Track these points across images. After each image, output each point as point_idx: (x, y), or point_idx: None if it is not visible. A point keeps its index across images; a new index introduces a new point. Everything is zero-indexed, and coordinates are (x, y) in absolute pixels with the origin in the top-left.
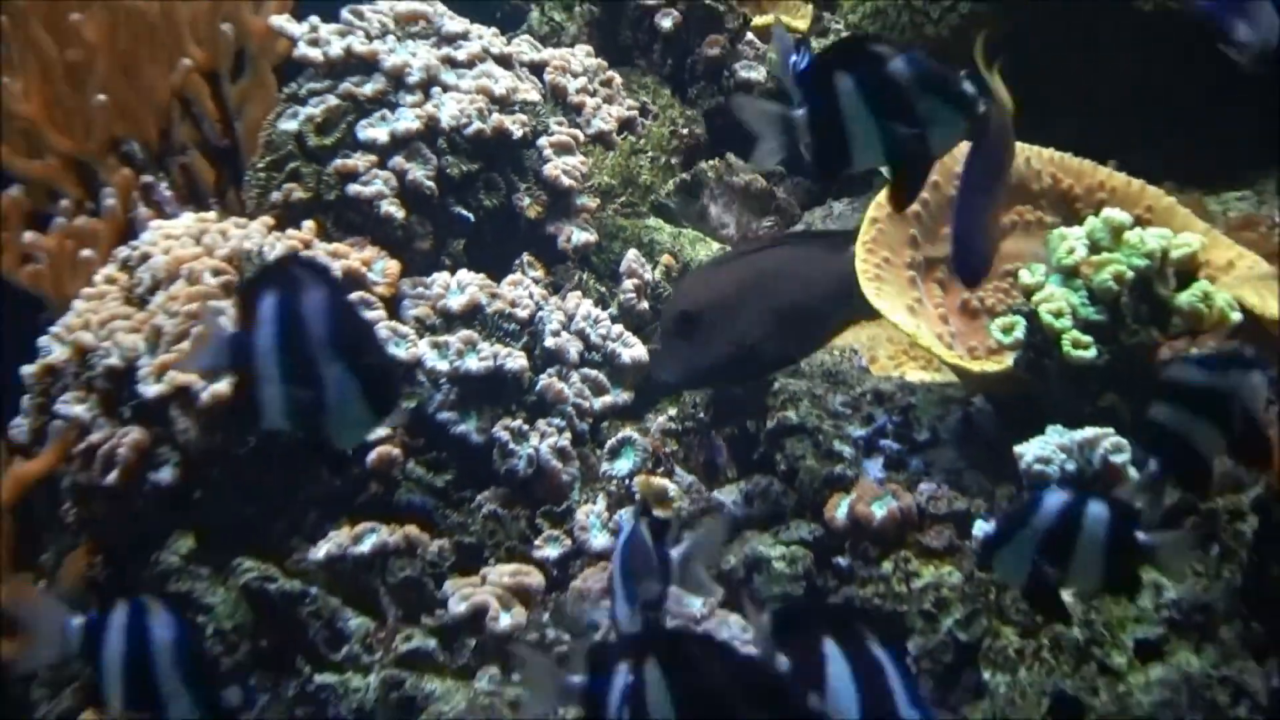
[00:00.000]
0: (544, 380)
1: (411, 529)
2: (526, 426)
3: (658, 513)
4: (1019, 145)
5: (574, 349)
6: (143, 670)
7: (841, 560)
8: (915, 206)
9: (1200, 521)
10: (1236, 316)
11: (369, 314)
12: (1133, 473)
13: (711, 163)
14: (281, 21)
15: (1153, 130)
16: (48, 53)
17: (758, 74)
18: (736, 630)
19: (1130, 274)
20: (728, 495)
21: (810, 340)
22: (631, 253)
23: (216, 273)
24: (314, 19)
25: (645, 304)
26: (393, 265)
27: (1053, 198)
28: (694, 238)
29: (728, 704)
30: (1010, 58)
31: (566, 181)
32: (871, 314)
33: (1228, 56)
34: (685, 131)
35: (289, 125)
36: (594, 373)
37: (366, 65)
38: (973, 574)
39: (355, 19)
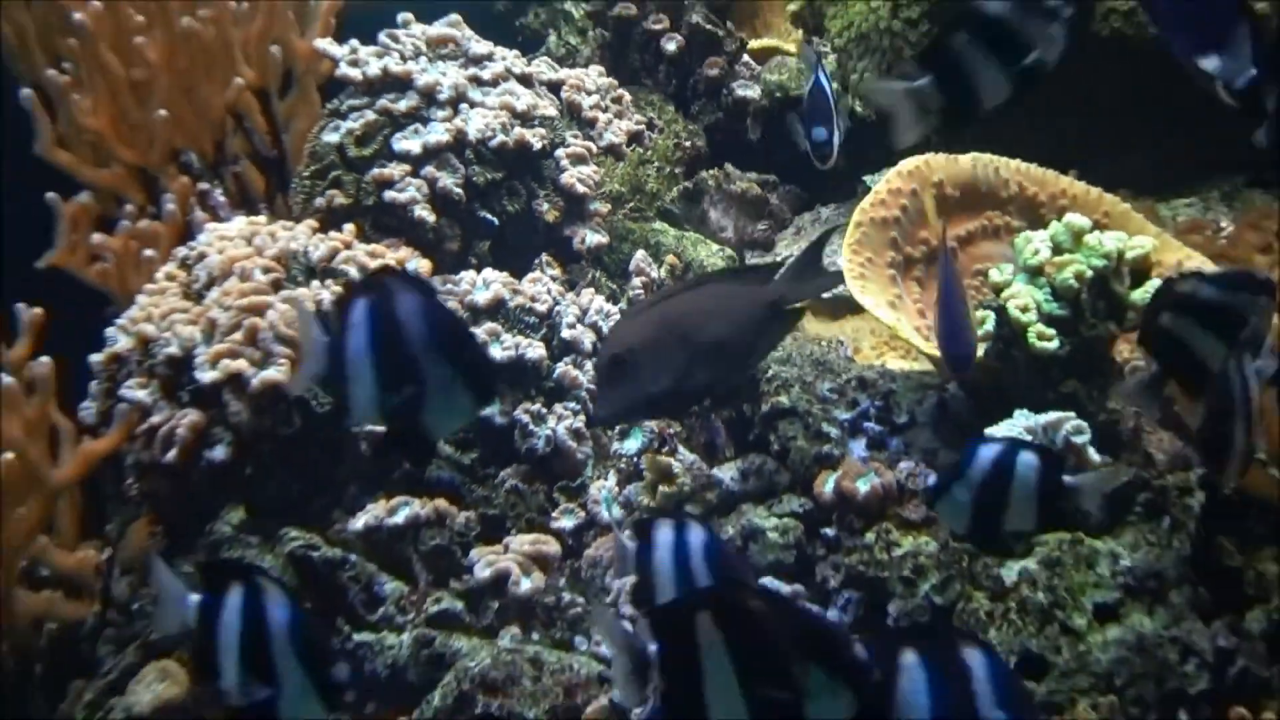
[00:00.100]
0: (561, 368)
1: (441, 502)
2: (545, 410)
3: (665, 490)
4: (989, 156)
5: (588, 340)
6: (258, 648)
7: (829, 531)
8: (895, 212)
9: (1152, 498)
10: None
11: None
12: (1093, 453)
13: (711, 172)
14: (325, 44)
15: (1109, 144)
16: (114, 72)
17: (753, 92)
18: None
19: (1089, 273)
20: (726, 472)
21: (735, 369)
22: (639, 253)
23: (266, 270)
24: (354, 42)
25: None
26: (425, 264)
27: (1019, 204)
28: (695, 240)
29: (785, 657)
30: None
31: (581, 189)
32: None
33: (1181, 77)
34: (688, 144)
35: (331, 137)
36: None
37: (401, 84)
38: (947, 543)
39: (391, 42)
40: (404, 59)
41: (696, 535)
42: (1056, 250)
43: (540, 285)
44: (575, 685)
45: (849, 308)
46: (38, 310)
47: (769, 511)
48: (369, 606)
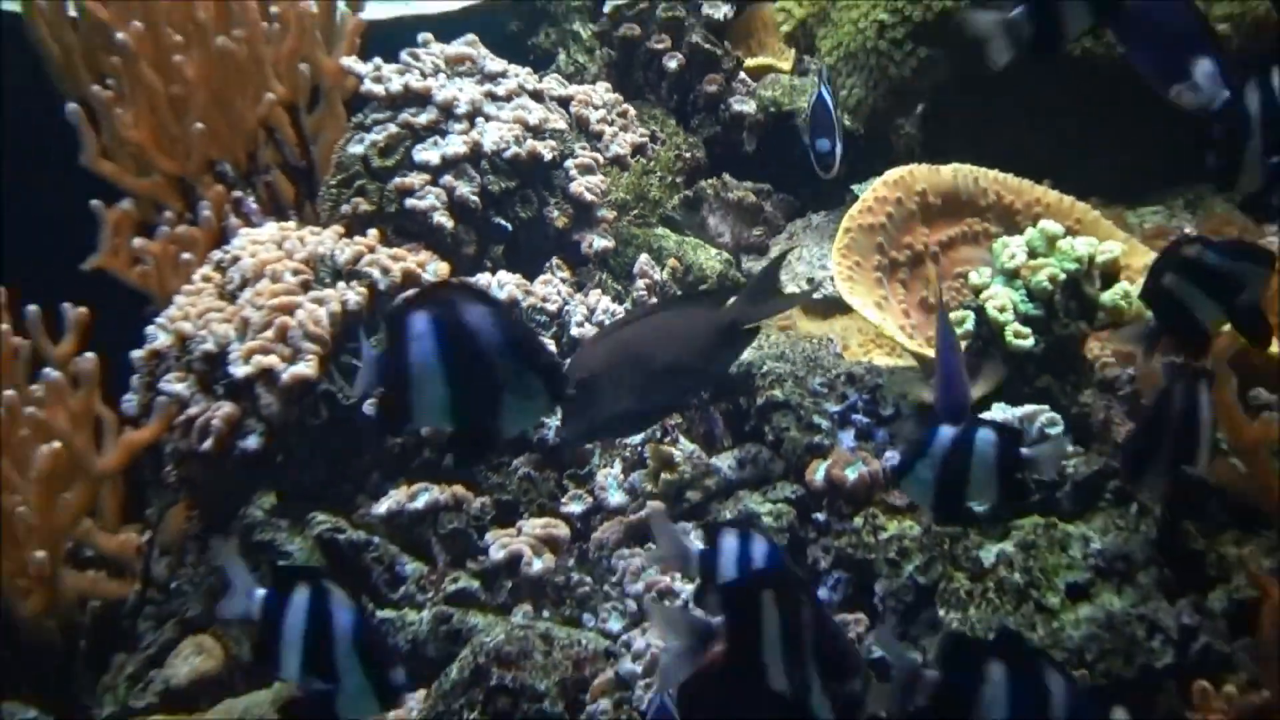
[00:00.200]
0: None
1: (458, 488)
2: None
3: (666, 478)
4: (969, 167)
5: None
6: (320, 646)
7: (819, 516)
8: (881, 219)
9: (1121, 485)
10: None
11: None
12: (1066, 443)
13: (710, 181)
14: (350, 62)
15: (1081, 155)
16: (154, 88)
17: (749, 107)
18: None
19: (1062, 276)
20: (724, 461)
21: (693, 387)
22: (643, 257)
23: (295, 273)
24: (377, 60)
25: (655, 300)
26: (443, 267)
27: (997, 211)
28: (695, 244)
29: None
30: (959, 96)
31: (589, 197)
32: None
33: (1147, 93)
34: (688, 155)
35: (356, 149)
36: None
37: (421, 99)
38: (930, 527)
39: (412, 60)
40: (424, 76)
41: (760, 546)
42: (1031, 255)
43: (551, 286)
44: (583, 659)
45: (838, 308)
46: (83, 310)
47: (764, 497)
48: (391, 585)
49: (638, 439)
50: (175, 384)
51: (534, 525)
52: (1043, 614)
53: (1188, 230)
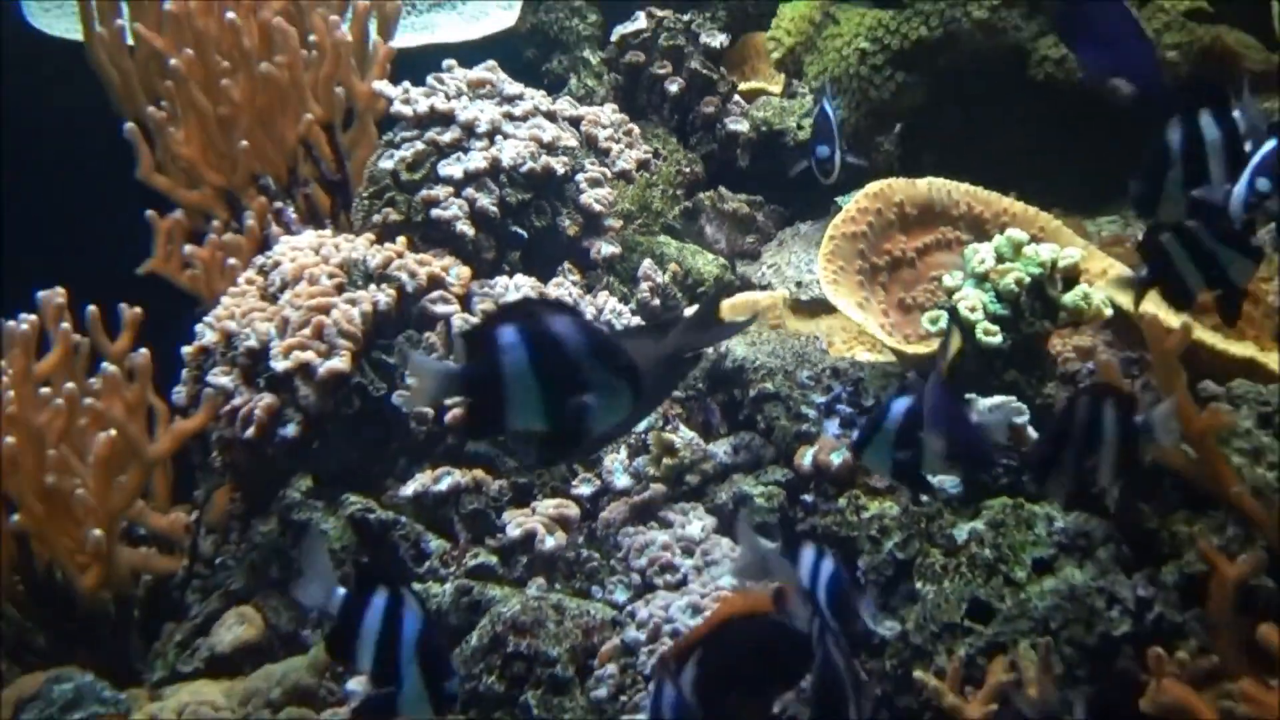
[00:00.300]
0: None
1: (478, 472)
2: None
3: (668, 462)
4: (943, 180)
5: None
6: (390, 649)
7: (807, 497)
8: (862, 228)
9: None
10: (1109, 312)
11: (445, 308)
12: (1031, 431)
13: (707, 194)
14: (381, 85)
15: (1044, 170)
16: (204, 109)
17: (743, 126)
18: (726, 550)
19: (1028, 279)
20: (720, 447)
21: (643, 409)
22: (647, 262)
23: (330, 276)
24: (406, 83)
25: (657, 301)
26: (465, 271)
27: (968, 220)
28: (694, 251)
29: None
30: (934, 117)
31: (597, 208)
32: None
33: (1102, 114)
34: (687, 170)
35: (386, 164)
36: None
37: (446, 119)
38: (908, 508)
39: (437, 84)
40: (448, 98)
41: (828, 564)
42: (1000, 260)
43: (563, 289)
44: (592, 628)
45: (824, 308)
46: (137, 309)
47: (756, 481)
48: (417, 561)
49: (641, 426)
50: (221, 377)
51: (547, 506)
52: (1011, 586)
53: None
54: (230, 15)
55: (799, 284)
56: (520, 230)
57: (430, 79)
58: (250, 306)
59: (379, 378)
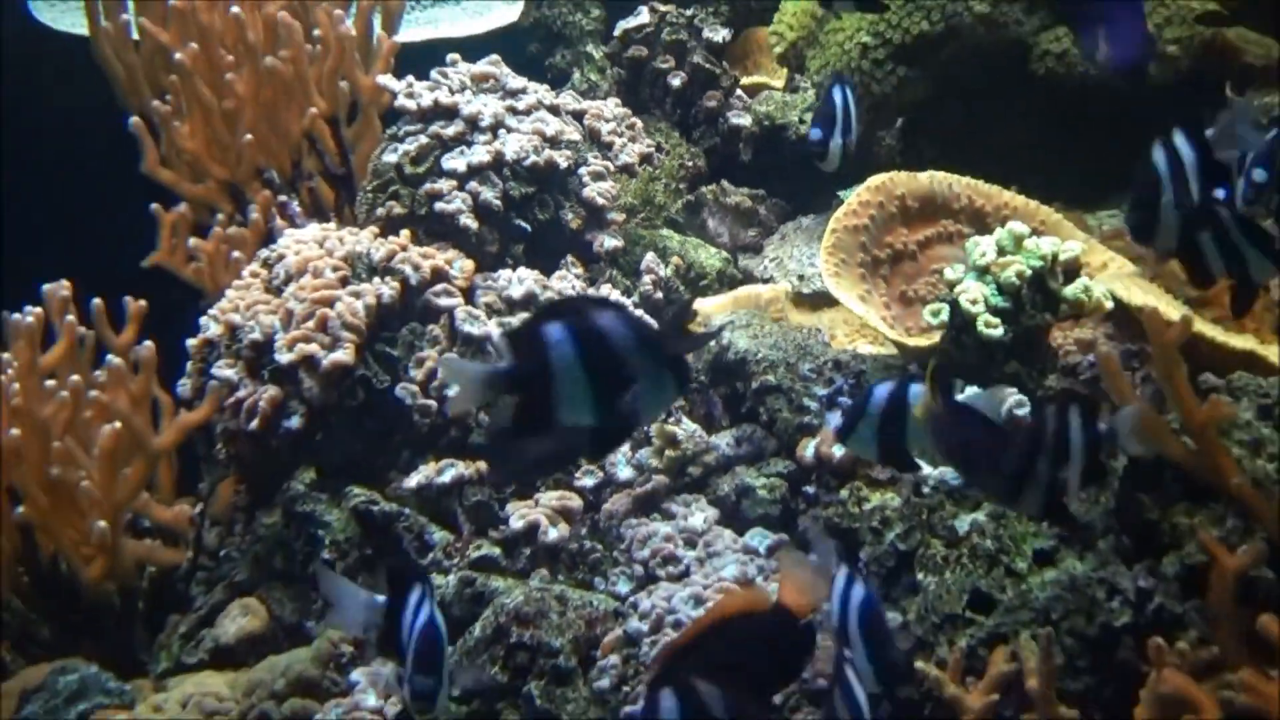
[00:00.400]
0: None
1: (481, 464)
2: None
3: (670, 454)
4: (944, 174)
5: None
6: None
7: (809, 489)
8: (864, 220)
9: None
10: (1109, 305)
11: (449, 300)
12: None
13: (710, 188)
14: (385, 79)
15: (1045, 164)
16: (208, 103)
17: (745, 120)
18: (729, 541)
19: (1028, 272)
20: (722, 440)
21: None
22: (649, 255)
23: (335, 269)
24: (410, 77)
25: (659, 294)
26: (468, 264)
27: (969, 214)
28: (696, 244)
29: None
30: (935, 111)
31: (600, 201)
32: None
33: (1104, 108)
34: (690, 164)
35: (390, 158)
36: None
37: (449, 113)
38: (909, 499)
39: (441, 78)
40: (452, 92)
41: (859, 589)
42: (1001, 252)
43: (566, 282)
44: (595, 619)
45: (826, 301)
46: (141, 302)
47: (759, 473)
48: (420, 552)
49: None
50: (225, 369)
51: (550, 497)
52: (1012, 577)
53: None
54: (235, 9)
55: (801, 277)
56: (523, 223)
57: (434, 73)
58: (254, 299)
59: (383, 370)
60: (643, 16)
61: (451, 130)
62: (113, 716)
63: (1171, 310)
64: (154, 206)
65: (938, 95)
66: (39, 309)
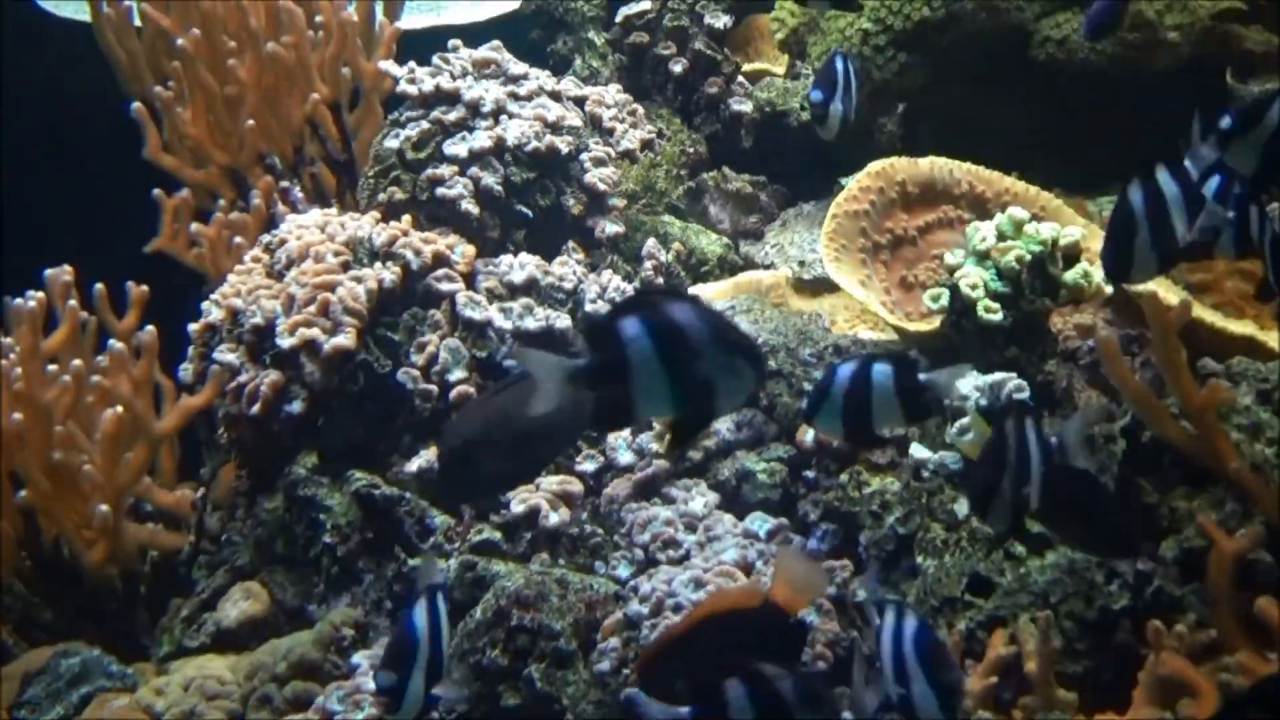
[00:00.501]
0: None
1: None
2: None
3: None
4: (945, 159)
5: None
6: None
7: (809, 473)
8: (865, 206)
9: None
10: (1109, 290)
11: (450, 285)
12: None
13: (711, 174)
14: (387, 65)
15: (1046, 150)
16: (210, 89)
17: (746, 107)
18: (729, 525)
19: (1028, 257)
20: (722, 424)
21: (559, 447)
22: (650, 241)
23: (336, 254)
24: (411, 63)
25: (661, 279)
26: (470, 249)
27: (970, 199)
28: (697, 230)
29: None
30: (936, 97)
31: (601, 187)
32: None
33: (1104, 94)
34: (691, 150)
35: (392, 143)
36: None
37: (451, 98)
38: (909, 484)
39: (442, 63)
40: (453, 78)
41: (911, 622)
42: (1001, 238)
43: (567, 267)
44: (595, 602)
45: (826, 287)
46: (143, 287)
47: (759, 457)
48: (421, 537)
49: None
50: (227, 354)
51: (551, 482)
52: (1011, 561)
53: None
54: None
55: (802, 263)
56: (525, 209)
57: (435, 58)
58: (256, 284)
59: (384, 355)
60: (644, 3)
61: (453, 116)
62: (115, 699)
63: (1170, 295)
64: (156, 192)
65: (939, 81)
66: (41, 294)
